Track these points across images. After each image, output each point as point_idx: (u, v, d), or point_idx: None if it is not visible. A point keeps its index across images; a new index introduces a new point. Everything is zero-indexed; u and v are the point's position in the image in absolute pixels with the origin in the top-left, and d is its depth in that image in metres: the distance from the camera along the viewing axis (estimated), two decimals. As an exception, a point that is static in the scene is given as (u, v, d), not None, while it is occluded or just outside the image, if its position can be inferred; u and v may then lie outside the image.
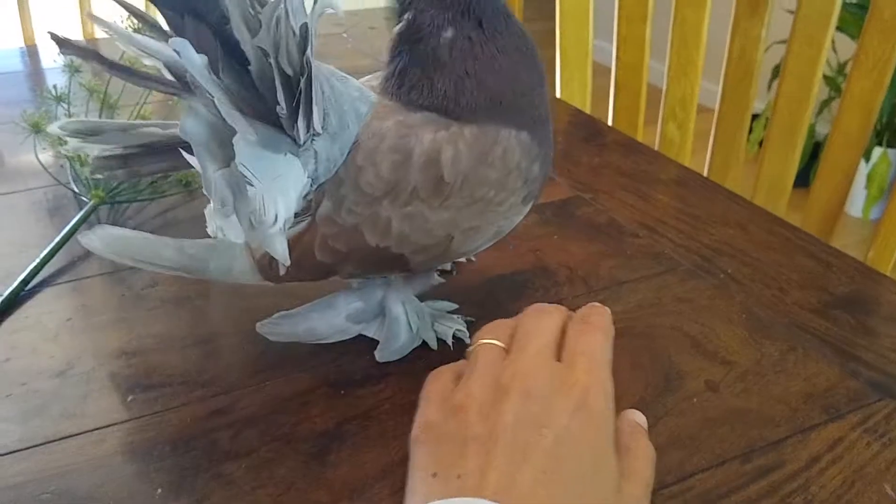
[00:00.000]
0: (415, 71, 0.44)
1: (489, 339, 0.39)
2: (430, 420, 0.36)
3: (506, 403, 0.35)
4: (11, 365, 0.50)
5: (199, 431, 0.45)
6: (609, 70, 1.11)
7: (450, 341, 0.52)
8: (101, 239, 0.48)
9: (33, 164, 0.72)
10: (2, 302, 0.55)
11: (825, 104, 2.35)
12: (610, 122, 1.14)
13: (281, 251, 0.43)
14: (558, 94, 1.11)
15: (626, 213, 0.67)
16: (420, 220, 0.44)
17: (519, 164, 0.45)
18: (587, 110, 1.12)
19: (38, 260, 0.59)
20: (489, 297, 0.57)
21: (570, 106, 0.95)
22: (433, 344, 0.51)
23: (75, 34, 1.19)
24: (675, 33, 1.08)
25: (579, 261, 0.61)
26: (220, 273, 0.48)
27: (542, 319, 0.39)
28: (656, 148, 1.13)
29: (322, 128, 0.43)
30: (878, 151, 2.24)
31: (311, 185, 0.44)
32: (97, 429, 0.45)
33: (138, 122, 0.49)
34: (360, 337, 0.51)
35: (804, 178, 1.23)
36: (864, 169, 2.24)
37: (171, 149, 0.46)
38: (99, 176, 0.47)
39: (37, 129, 0.71)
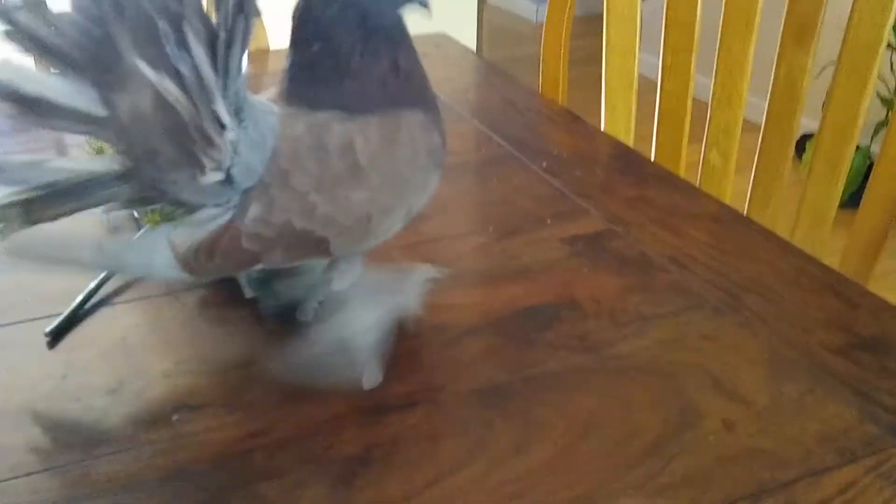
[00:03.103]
0: (323, 76, 0.50)
1: None
2: None
3: None
4: (68, 382, 0.54)
5: (236, 452, 0.48)
6: (655, 85, 1.12)
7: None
8: (13, 242, 0.47)
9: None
10: (61, 321, 0.59)
11: (881, 125, 2.31)
12: (653, 149, 1.15)
13: None
14: (602, 125, 1.13)
15: (658, 248, 0.69)
16: (343, 202, 0.50)
17: (422, 139, 0.52)
18: (630, 139, 1.13)
19: (95, 282, 0.62)
20: (518, 328, 0.59)
21: (612, 138, 0.97)
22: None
23: None
24: (721, 63, 1.09)
25: (607, 294, 0.63)
26: (140, 269, 0.52)
27: None
28: (699, 175, 1.14)
29: (242, 126, 0.47)
30: (936, 176, 2.19)
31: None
32: (144, 445, 0.49)
33: (42, 157, 0.47)
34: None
35: (857, 200, 1.22)
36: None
37: (78, 189, 0.46)
38: None
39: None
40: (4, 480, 0.46)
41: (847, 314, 0.61)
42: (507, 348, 0.57)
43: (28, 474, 0.47)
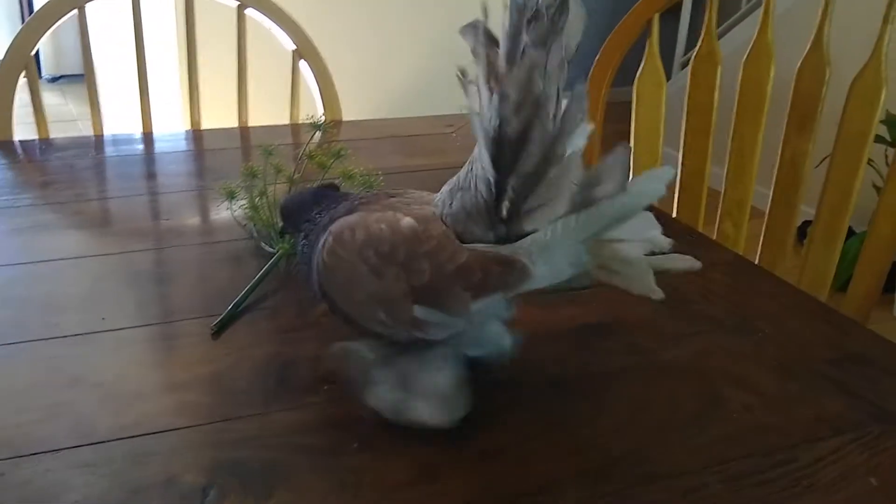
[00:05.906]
0: None
1: None
2: None
3: None
4: (234, 362, 0.70)
5: (377, 411, 0.64)
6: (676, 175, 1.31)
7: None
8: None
9: (222, 221, 0.94)
10: (223, 318, 0.75)
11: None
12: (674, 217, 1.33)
13: None
14: (631, 191, 1.30)
15: (687, 286, 0.85)
16: None
17: None
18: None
19: (246, 290, 0.79)
20: (580, 339, 0.75)
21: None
22: None
23: (233, 121, 1.44)
24: (733, 145, 1.27)
25: (648, 318, 0.79)
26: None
27: None
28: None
29: None
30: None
31: None
32: (306, 406, 0.64)
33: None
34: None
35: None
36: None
37: None
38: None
39: (231, 195, 0.93)
40: (201, 425, 0.62)
41: (837, 337, 0.77)
42: (572, 353, 0.73)
43: (216, 421, 0.62)
